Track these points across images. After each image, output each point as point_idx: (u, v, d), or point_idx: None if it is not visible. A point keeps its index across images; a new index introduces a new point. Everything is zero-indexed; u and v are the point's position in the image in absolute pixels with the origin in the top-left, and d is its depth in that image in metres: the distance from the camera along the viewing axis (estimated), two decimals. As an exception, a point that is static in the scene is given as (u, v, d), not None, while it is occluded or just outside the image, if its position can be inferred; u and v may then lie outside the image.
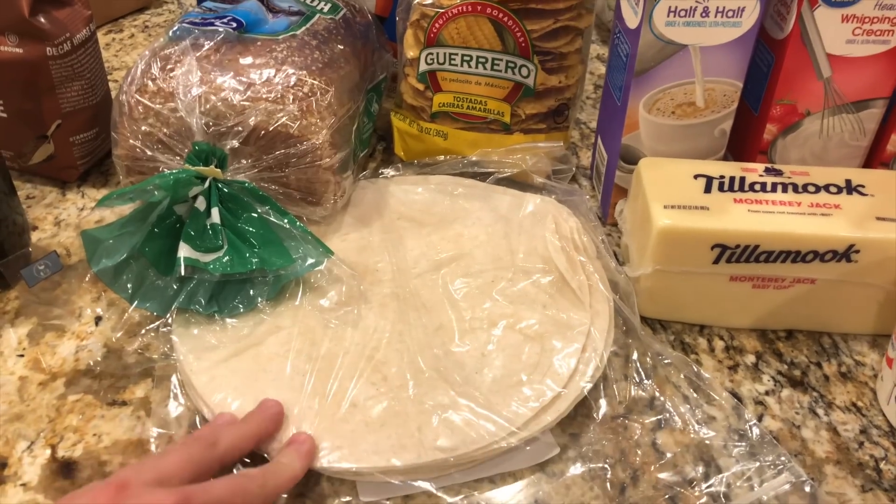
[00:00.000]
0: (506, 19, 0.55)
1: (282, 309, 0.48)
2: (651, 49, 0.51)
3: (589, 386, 0.44)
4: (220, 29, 0.54)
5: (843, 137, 0.55)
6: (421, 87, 0.60)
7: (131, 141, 0.51)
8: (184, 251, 0.47)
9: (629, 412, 0.45)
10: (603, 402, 0.45)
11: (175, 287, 0.48)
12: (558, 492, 0.41)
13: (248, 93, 0.50)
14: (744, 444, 0.43)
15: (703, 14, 0.50)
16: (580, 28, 0.58)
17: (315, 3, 0.61)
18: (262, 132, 0.50)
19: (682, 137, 0.55)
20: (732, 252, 0.48)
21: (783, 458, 0.42)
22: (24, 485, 0.41)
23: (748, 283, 0.49)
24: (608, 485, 0.41)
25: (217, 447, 0.38)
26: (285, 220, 0.50)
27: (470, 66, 0.58)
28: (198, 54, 0.52)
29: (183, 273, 0.47)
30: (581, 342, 0.46)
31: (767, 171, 0.51)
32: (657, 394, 0.46)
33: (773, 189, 0.50)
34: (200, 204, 0.49)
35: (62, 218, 0.59)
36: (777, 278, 0.49)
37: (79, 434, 0.43)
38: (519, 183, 0.60)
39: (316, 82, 0.52)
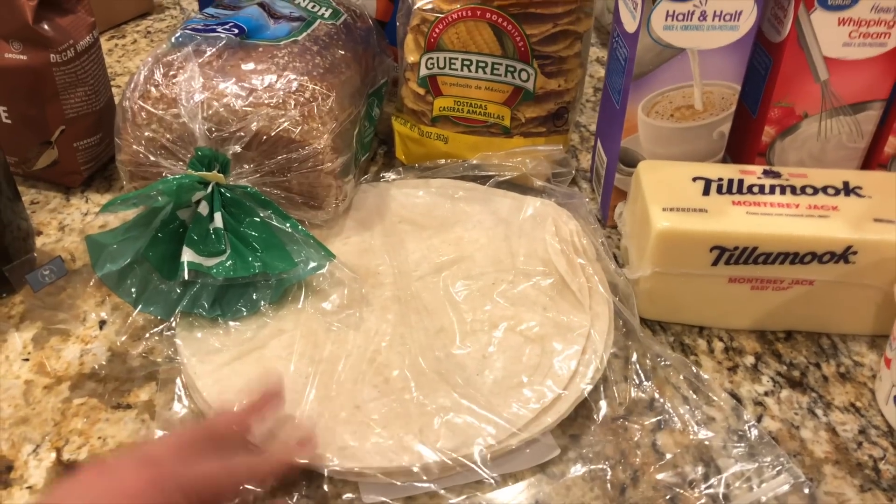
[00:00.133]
0: (505, 24, 0.56)
1: (284, 312, 0.49)
2: (649, 52, 0.52)
3: (589, 387, 0.45)
4: (222, 35, 0.55)
5: (841, 139, 0.55)
6: (422, 91, 0.61)
7: (134, 146, 0.52)
8: (187, 255, 0.47)
9: (629, 413, 0.45)
10: (603, 404, 0.45)
11: (179, 291, 0.48)
12: (559, 492, 0.41)
13: (250, 98, 0.51)
14: (743, 444, 0.44)
15: (701, 18, 0.50)
16: (579, 32, 0.58)
17: (316, 9, 0.61)
18: (264, 137, 0.51)
19: (680, 140, 0.56)
20: (731, 254, 0.48)
21: (782, 459, 0.43)
22: (29, 487, 0.41)
23: (747, 284, 0.49)
24: (608, 486, 0.42)
25: (213, 429, 0.38)
26: (287, 224, 0.50)
27: (470, 71, 0.58)
28: (200, 60, 0.53)
29: (186, 277, 0.47)
30: (581, 344, 0.47)
31: (765, 173, 0.52)
32: (657, 395, 0.46)
33: (772, 191, 0.50)
34: (203, 209, 0.49)
35: (66, 223, 0.60)
36: (776, 280, 0.49)
37: (84, 437, 0.44)
38: (519, 186, 0.60)
39: (317, 87, 0.53)
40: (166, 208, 0.48)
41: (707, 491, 0.41)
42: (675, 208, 0.49)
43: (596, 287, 0.50)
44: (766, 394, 0.48)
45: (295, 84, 0.52)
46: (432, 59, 0.59)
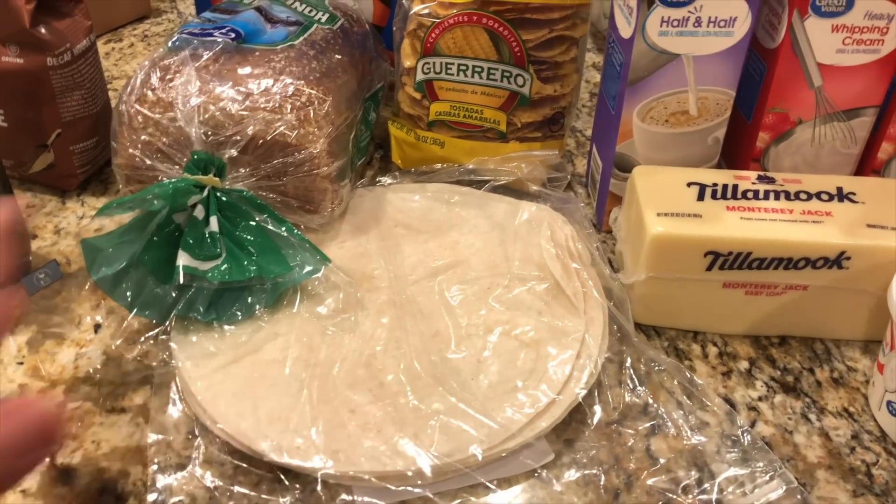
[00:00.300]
0: (501, 29, 0.56)
1: (280, 316, 0.49)
2: (644, 58, 0.52)
3: (583, 392, 0.45)
4: (219, 39, 0.55)
5: (835, 145, 0.55)
6: (418, 96, 0.61)
7: (131, 150, 0.52)
8: (183, 259, 0.47)
9: (623, 418, 0.45)
10: (597, 409, 0.46)
11: (174, 295, 0.48)
12: (553, 497, 0.41)
13: (247, 102, 0.51)
14: (736, 450, 0.44)
15: (696, 24, 0.50)
16: (575, 38, 0.59)
17: (313, 14, 0.61)
18: (261, 141, 0.51)
19: (675, 145, 0.56)
20: (725, 259, 0.48)
21: (775, 465, 0.43)
22: (23, 491, 0.41)
23: (741, 289, 0.50)
24: (602, 490, 0.42)
25: None
26: (283, 229, 0.50)
27: (466, 76, 0.59)
28: (197, 64, 0.53)
29: (182, 281, 0.47)
30: (576, 349, 0.47)
31: (760, 178, 0.52)
32: (651, 400, 0.46)
33: (766, 196, 0.50)
34: (199, 213, 0.49)
35: (62, 226, 0.60)
36: (770, 285, 0.49)
37: (78, 441, 0.44)
38: (515, 191, 0.61)
39: (313, 92, 0.53)
40: (162, 212, 0.48)
41: (700, 496, 0.41)
42: (669, 213, 0.49)
43: (591, 292, 0.50)
44: (759, 399, 0.48)
45: (291, 88, 0.52)
46: (429, 63, 0.59)
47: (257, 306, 0.49)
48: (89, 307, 0.52)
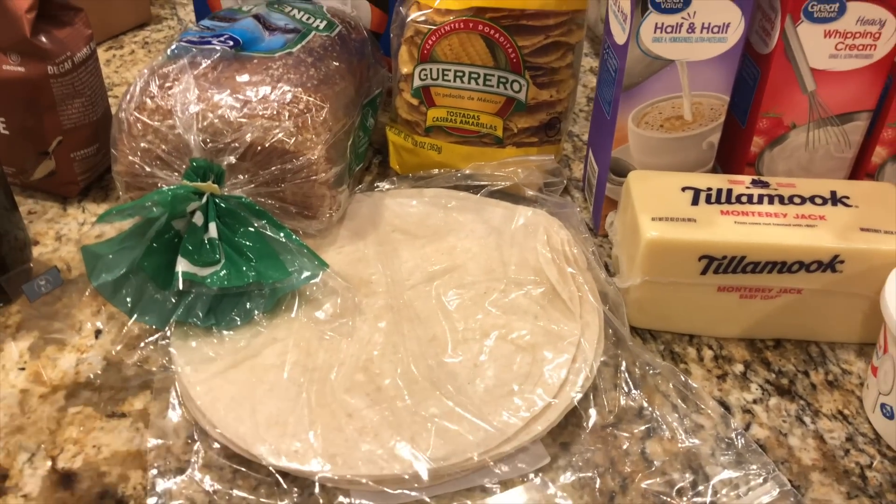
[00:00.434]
0: (497, 36, 0.57)
1: (278, 321, 0.49)
2: (639, 64, 0.52)
3: (579, 396, 0.45)
4: (218, 47, 0.55)
5: (829, 150, 0.56)
6: (415, 102, 0.61)
7: (130, 157, 0.53)
8: (182, 265, 0.48)
9: (618, 422, 0.46)
10: (593, 412, 0.46)
11: (173, 301, 0.49)
12: (548, 500, 0.42)
13: (245, 110, 0.51)
14: (731, 452, 0.44)
15: (689, 30, 0.51)
16: (571, 43, 0.59)
17: (311, 21, 0.62)
18: (259, 148, 0.51)
19: (670, 150, 0.56)
20: (720, 263, 0.49)
21: (769, 467, 0.43)
22: (24, 496, 0.42)
23: (736, 293, 0.50)
24: (597, 493, 0.42)
25: None
26: (281, 234, 0.51)
27: (463, 82, 0.59)
28: (195, 72, 0.53)
29: (181, 287, 0.48)
30: (571, 353, 0.47)
31: (754, 183, 0.52)
32: (646, 403, 0.47)
33: (760, 201, 0.51)
34: (198, 219, 0.50)
35: (63, 233, 0.60)
36: (764, 288, 0.50)
37: (79, 446, 0.44)
38: (511, 195, 0.61)
39: (311, 99, 0.53)
40: (161, 219, 0.49)
41: (695, 499, 0.42)
42: (664, 218, 0.49)
43: (586, 296, 0.51)
44: (754, 401, 0.48)
45: (289, 95, 0.53)
46: (426, 70, 0.59)
47: (256, 311, 0.49)
48: (90, 313, 0.53)
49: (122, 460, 0.43)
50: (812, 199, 0.51)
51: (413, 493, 0.41)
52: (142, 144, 0.52)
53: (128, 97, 0.53)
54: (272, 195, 0.53)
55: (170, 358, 0.47)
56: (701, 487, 0.42)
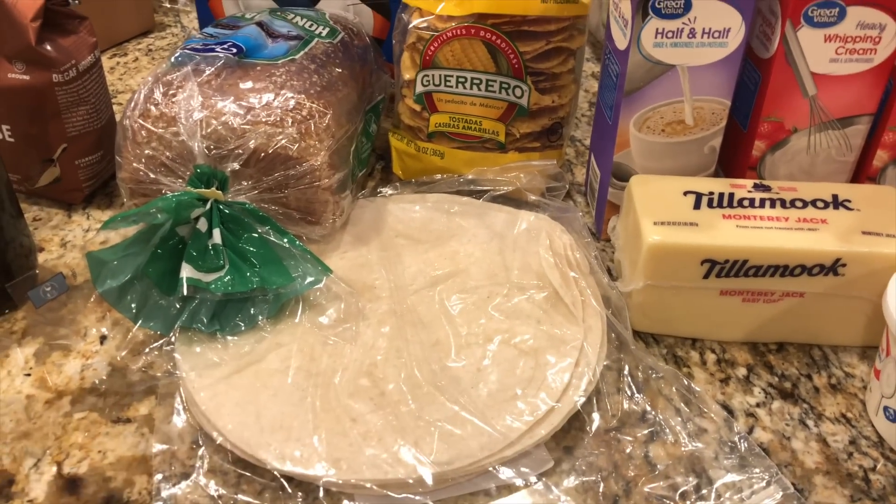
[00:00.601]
0: (499, 41, 0.57)
1: (282, 326, 0.50)
2: (640, 69, 0.53)
3: (582, 400, 0.45)
4: (221, 55, 0.56)
5: (830, 153, 0.56)
6: (418, 107, 0.62)
7: (135, 164, 0.53)
8: (186, 271, 0.48)
9: (622, 425, 0.46)
10: (596, 416, 0.46)
11: (178, 306, 0.49)
12: (552, 504, 0.42)
13: (248, 116, 0.52)
14: (734, 456, 0.44)
15: (690, 35, 0.51)
16: (572, 49, 0.59)
17: (314, 28, 0.62)
18: (262, 154, 0.52)
19: (672, 155, 0.57)
20: (722, 267, 0.49)
21: (772, 470, 0.43)
22: (30, 501, 0.42)
23: (738, 297, 0.50)
24: (601, 497, 0.42)
25: None
26: (285, 240, 0.51)
27: (465, 88, 0.59)
28: (199, 79, 0.54)
29: (185, 293, 0.48)
30: (574, 357, 0.47)
31: (756, 187, 0.53)
32: (649, 407, 0.47)
33: (762, 205, 0.51)
34: (202, 225, 0.50)
35: (68, 239, 0.61)
36: (766, 292, 0.50)
37: (84, 451, 0.44)
38: (514, 200, 0.61)
39: (314, 105, 0.54)
40: (166, 225, 0.49)
41: (698, 502, 0.42)
42: (666, 222, 0.50)
43: (589, 300, 0.51)
44: (757, 405, 0.48)
45: (292, 102, 0.53)
46: (428, 76, 0.60)
47: (260, 317, 0.49)
48: (95, 319, 0.53)
49: (127, 465, 0.44)
50: (814, 203, 0.51)
51: (417, 498, 0.41)
52: (146, 151, 0.52)
53: (132, 104, 0.54)
54: (276, 201, 0.53)
55: (174, 363, 0.48)
56: (704, 491, 0.42)
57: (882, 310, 0.45)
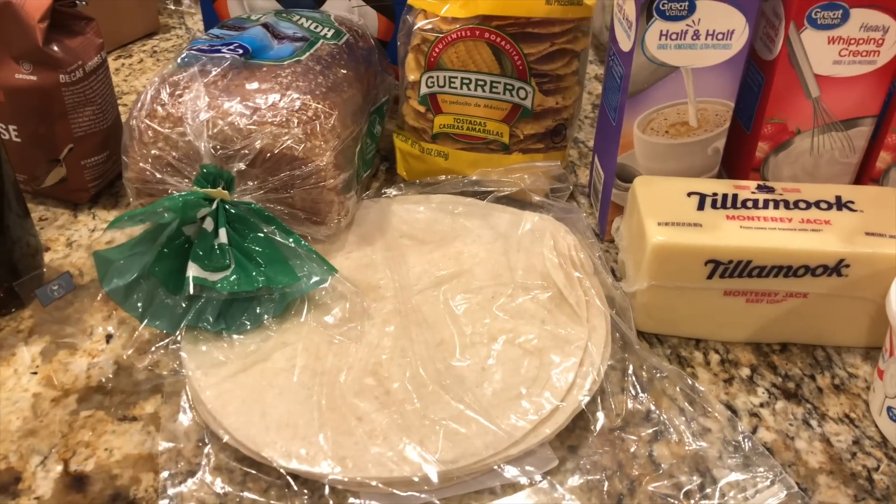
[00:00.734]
0: (503, 43, 0.57)
1: (287, 325, 0.50)
2: (644, 71, 0.53)
3: (586, 399, 0.45)
4: (227, 56, 0.56)
5: (834, 155, 0.56)
6: (422, 109, 0.62)
7: (141, 164, 0.53)
8: (192, 270, 0.48)
9: (626, 425, 0.46)
10: (600, 415, 0.46)
11: (184, 305, 0.49)
12: (556, 503, 0.42)
13: (255, 117, 0.52)
14: (738, 455, 0.44)
15: (694, 37, 0.51)
16: (576, 51, 0.60)
17: (319, 30, 0.63)
18: (268, 155, 0.52)
19: (675, 156, 0.57)
20: (725, 267, 0.49)
21: (776, 470, 0.43)
22: (37, 498, 0.42)
23: (742, 297, 0.50)
24: (605, 496, 0.42)
25: None
26: (291, 240, 0.51)
27: (469, 89, 0.60)
28: (205, 80, 0.54)
29: (192, 292, 0.48)
30: (579, 356, 0.47)
31: (759, 188, 0.53)
32: (653, 407, 0.47)
33: (765, 206, 0.51)
34: (208, 225, 0.50)
35: (74, 239, 0.61)
36: (770, 293, 0.50)
37: (91, 449, 0.45)
38: (518, 201, 0.61)
39: (320, 106, 0.54)
40: (172, 224, 0.49)
41: (702, 501, 0.42)
42: (670, 223, 0.50)
43: (593, 300, 0.51)
44: (761, 405, 0.48)
45: (298, 103, 0.53)
46: (432, 77, 0.60)
47: (265, 316, 0.49)
48: (101, 318, 0.53)
49: (133, 463, 0.44)
50: (817, 204, 0.51)
51: (422, 496, 0.41)
52: (153, 151, 0.53)
53: (139, 105, 0.54)
54: (281, 201, 0.54)
55: (180, 362, 0.48)
56: (708, 490, 0.42)
57: (885, 310, 0.45)
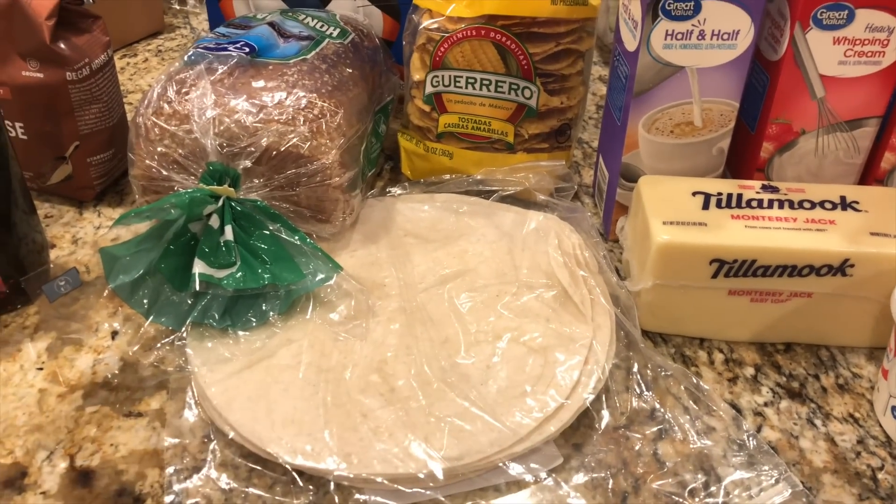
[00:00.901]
0: (509, 43, 0.57)
1: (293, 322, 0.50)
2: (649, 70, 0.53)
3: (591, 397, 0.45)
4: (234, 54, 0.56)
5: (838, 155, 0.56)
6: (427, 108, 0.62)
7: (147, 161, 0.53)
8: (198, 267, 0.49)
9: (631, 423, 0.46)
10: (605, 413, 0.46)
11: (189, 302, 0.49)
12: (561, 500, 0.42)
13: (261, 115, 0.52)
14: (742, 454, 0.44)
15: (700, 37, 0.52)
16: (581, 51, 0.60)
17: (324, 29, 0.63)
18: (274, 152, 0.52)
19: (680, 156, 0.57)
20: (730, 267, 0.49)
21: (780, 468, 0.43)
22: (43, 493, 0.42)
23: (746, 297, 0.50)
24: (610, 494, 0.42)
25: None
26: (296, 237, 0.51)
27: (474, 88, 0.60)
28: (212, 78, 0.54)
29: (197, 288, 0.48)
30: (583, 355, 0.47)
31: (764, 187, 0.53)
32: (658, 405, 0.47)
33: (770, 205, 0.51)
34: (214, 222, 0.50)
35: (79, 236, 0.61)
36: (774, 292, 0.50)
37: (96, 444, 0.45)
38: (522, 200, 0.62)
39: (326, 104, 0.54)
40: (178, 221, 0.50)
41: (707, 499, 0.42)
42: (675, 222, 0.50)
43: (598, 299, 0.51)
44: (765, 404, 0.48)
45: (304, 101, 0.53)
46: (437, 77, 0.60)
47: (271, 313, 0.50)
48: (107, 314, 0.53)
49: (139, 459, 0.44)
50: (822, 204, 0.51)
51: (427, 492, 0.41)
52: (159, 149, 0.53)
53: (145, 102, 0.54)
54: (287, 199, 0.54)
55: (186, 358, 0.48)
56: (713, 488, 0.43)
57: (890, 310, 0.45)
